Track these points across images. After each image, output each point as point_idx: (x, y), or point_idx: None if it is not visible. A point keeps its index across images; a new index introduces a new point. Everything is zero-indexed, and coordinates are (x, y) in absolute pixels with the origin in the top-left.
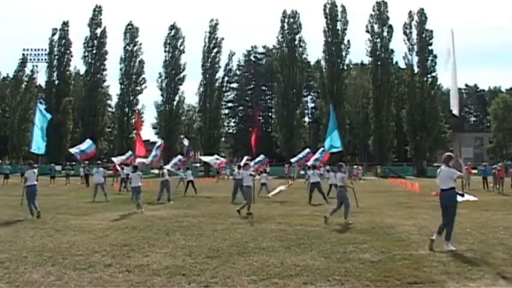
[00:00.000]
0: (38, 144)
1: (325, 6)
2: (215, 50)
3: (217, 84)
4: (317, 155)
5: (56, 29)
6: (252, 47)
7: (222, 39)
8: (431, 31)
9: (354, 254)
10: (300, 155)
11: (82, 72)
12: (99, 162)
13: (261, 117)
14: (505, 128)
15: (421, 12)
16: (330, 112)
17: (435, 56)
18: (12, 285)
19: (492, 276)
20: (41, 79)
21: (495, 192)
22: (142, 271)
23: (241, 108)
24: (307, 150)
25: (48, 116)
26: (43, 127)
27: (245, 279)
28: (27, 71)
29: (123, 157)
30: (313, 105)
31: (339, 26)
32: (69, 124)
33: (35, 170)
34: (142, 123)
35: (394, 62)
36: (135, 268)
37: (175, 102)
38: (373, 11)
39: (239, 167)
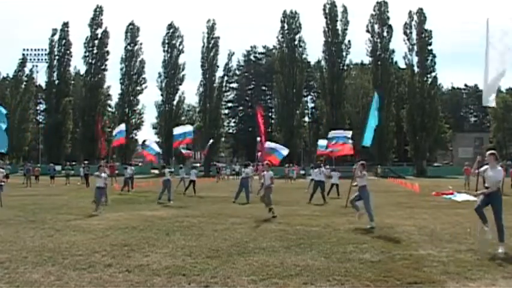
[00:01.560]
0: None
1: (325, 6)
2: (213, 50)
3: (216, 84)
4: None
5: (56, 29)
6: (251, 47)
7: (218, 38)
8: (431, 31)
9: (354, 254)
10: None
11: (82, 72)
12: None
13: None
14: (505, 128)
15: (420, 12)
16: (375, 101)
17: (435, 56)
18: (12, 285)
19: (492, 276)
20: (41, 79)
21: None
22: (142, 271)
23: (241, 108)
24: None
25: (4, 111)
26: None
27: (245, 279)
28: (27, 71)
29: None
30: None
31: (339, 26)
32: (69, 124)
33: (2, 170)
34: (104, 127)
35: (394, 62)
36: (135, 268)
37: (175, 102)
38: (374, 11)
39: (245, 166)
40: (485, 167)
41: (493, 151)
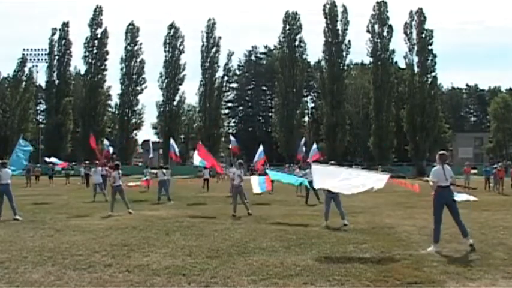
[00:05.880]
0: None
1: (324, 6)
2: (213, 49)
3: (216, 84)
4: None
5: (56, 29)
6: (252, 47)
7: (220, 38)
8: (432, 31)
9: (354, 254)
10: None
11: (82, 72)
12: (97, 162)
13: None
14: (505, 128)
15: (420, 12)
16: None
17: (435, 56)
18: (12, 285)
19: (492, 276)
20: (41, 79)
21: (495, 192)
22: (142, 271)
23: (241, 108)
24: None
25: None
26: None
27: (245, 279)
28: (27, 71)
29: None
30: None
31: (339, 26)
32: (69, 124)
33: (8, 170)
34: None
35: (394, 62)
36: (135, 268)
37: (175, 102)
38: (374, 11)
39: (240, 165)
40: (438, 166)
41: (443, 152)
